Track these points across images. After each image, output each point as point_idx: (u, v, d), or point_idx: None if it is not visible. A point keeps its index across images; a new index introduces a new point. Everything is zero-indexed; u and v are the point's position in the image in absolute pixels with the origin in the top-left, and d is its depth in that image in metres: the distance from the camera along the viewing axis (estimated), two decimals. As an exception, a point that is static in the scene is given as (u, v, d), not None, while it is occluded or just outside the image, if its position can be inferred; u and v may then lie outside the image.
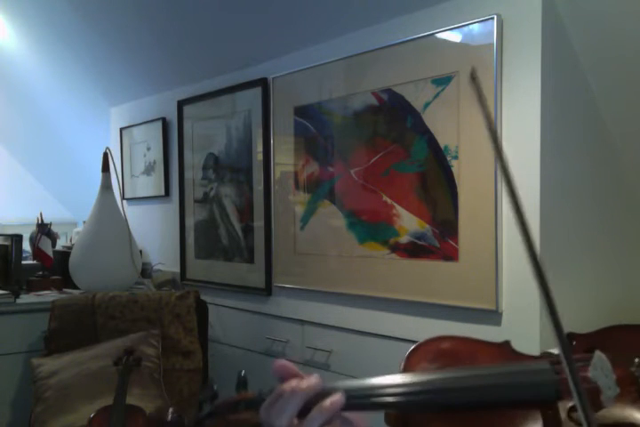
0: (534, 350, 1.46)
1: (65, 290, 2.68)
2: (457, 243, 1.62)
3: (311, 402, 0.64)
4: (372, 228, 1.86)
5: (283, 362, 0.67)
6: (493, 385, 0.75)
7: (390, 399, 0.72)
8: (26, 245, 2.89)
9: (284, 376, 0.66)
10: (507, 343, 0.94)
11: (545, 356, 0.86)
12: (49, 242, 2.76)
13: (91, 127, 3.51)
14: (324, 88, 2.02)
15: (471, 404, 0.74)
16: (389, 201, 1.80)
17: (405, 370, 0.84)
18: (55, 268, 2.77)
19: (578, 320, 1.57)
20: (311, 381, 0.64)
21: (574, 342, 0.85)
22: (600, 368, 0.73)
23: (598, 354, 0.75)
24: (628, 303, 1.74)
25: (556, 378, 0.74)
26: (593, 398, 0.68)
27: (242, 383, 0.73)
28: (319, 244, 2.05)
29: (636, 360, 0.78)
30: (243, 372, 0.75)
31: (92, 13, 2.59)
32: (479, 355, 0.88)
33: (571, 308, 1.56)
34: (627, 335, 0.89)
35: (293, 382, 0.64)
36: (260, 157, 2.32)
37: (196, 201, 2.69)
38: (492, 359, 0.87)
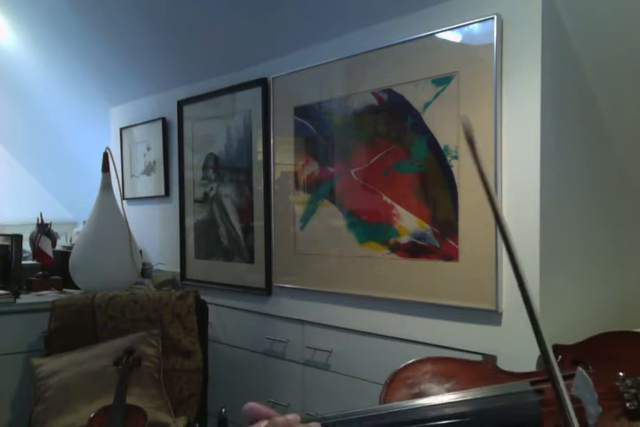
0: (534, 350, 1.46)
1: (65, 290, 2.68)
2: (457, 243, 1.62)
3: None
4: (372, 228, 1.86)
5: (251, 404, 0.61)
6: (473, 412, 0.74)
7: None
8: (26, 245, 2.88)
9: (255, 418, 0.60)
10: (490, 361, 0.93)
11: (527, 373, 0.85)
12: (49, 242, 2.76)
13: (91, 127, 3.50)
14: (324, 88, 2.02)
15: None
16: (389, 201, 1.80)
17: (387, 396, 0.83)
18: (55, 268, 2.77)
19: (579, 321, 1.58)
20: (289, 418, 0.59)
21: (559, 356, 0.84)
22: (583, 387, 0.73)
23: (580, 372, 0.75)
24: (628, 304, 1.74)
25: (535, 400, 0.74)
26: (577, 416, 0.68)
27: (222, 422, 0.70)
28: (319, 244, 2.05)
29: (621, 375, 0.78)
30: (223, 410, 0.72)
31: (93, 13, 2.59)
32: (460, 377, 0.87)
33: (571, 308, 1.56)
34: (613, 345, 0.88)
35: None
36: (260, 157, 2.32)
37: (196, 201, 2.69)
38: (473, 381, 0.85)
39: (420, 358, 0.90)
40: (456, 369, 0.89)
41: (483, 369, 0.89)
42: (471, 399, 0.75)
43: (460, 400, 0.75)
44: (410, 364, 0.89)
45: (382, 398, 0.83)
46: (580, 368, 0.75)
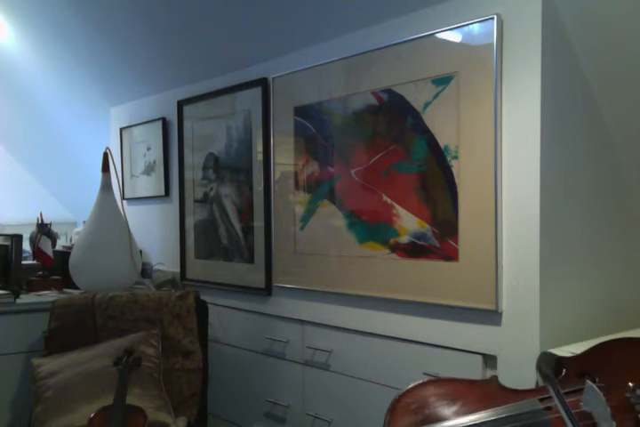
0: (534, 350, 1.46)
1: (65, 290, 2.68)
2: (457, 243, 1.62)
3: None
4: (372, 228, 1.86)
5: None
6: None
7: None
8: (26, 245, 2.88)
9: None
10: (494, 380, 0.91)
11: (532, 389, 0.84)
12: (49, 242, 2.75)
13: (91, 127, 3.50)
14: (324, 88, 2.02)
15: None
16: (389, 201, 1.80)
17: (391, 425, 0.81)
18: (55, 268, 2.77)
19: (580, 321, 1.58)
20: None
21: (564, 370, 0.82)
22: (594, 401, 0.72)
23: (590, 386, 0.73)
24: (630, 303, 1.74)
25: (548, 418, 0.73)
26: None
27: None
28: (319, 244, 2.05)
29: (630, 385, 0.77)
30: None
31: (93, 13, 2.59)
32: (466, 399, 0.84)
33: (572, 308, 1.56)
34: (618, 354, 0.86)
35: None
36: (260, 157, 2.32)
37: (195, 201, 2.69)
38: (479, 402, 0.83)
39: (421, 381, 0.88)
40: (460, 391, 0.87)
41: (487, 389, 0.88)
42: (486, 422, 0.74)
43: (476, 423, 0.74)
44: (411, 388, 0.86)
45: (386, 424, 0.80)
46: (588, 382, 0.74)
